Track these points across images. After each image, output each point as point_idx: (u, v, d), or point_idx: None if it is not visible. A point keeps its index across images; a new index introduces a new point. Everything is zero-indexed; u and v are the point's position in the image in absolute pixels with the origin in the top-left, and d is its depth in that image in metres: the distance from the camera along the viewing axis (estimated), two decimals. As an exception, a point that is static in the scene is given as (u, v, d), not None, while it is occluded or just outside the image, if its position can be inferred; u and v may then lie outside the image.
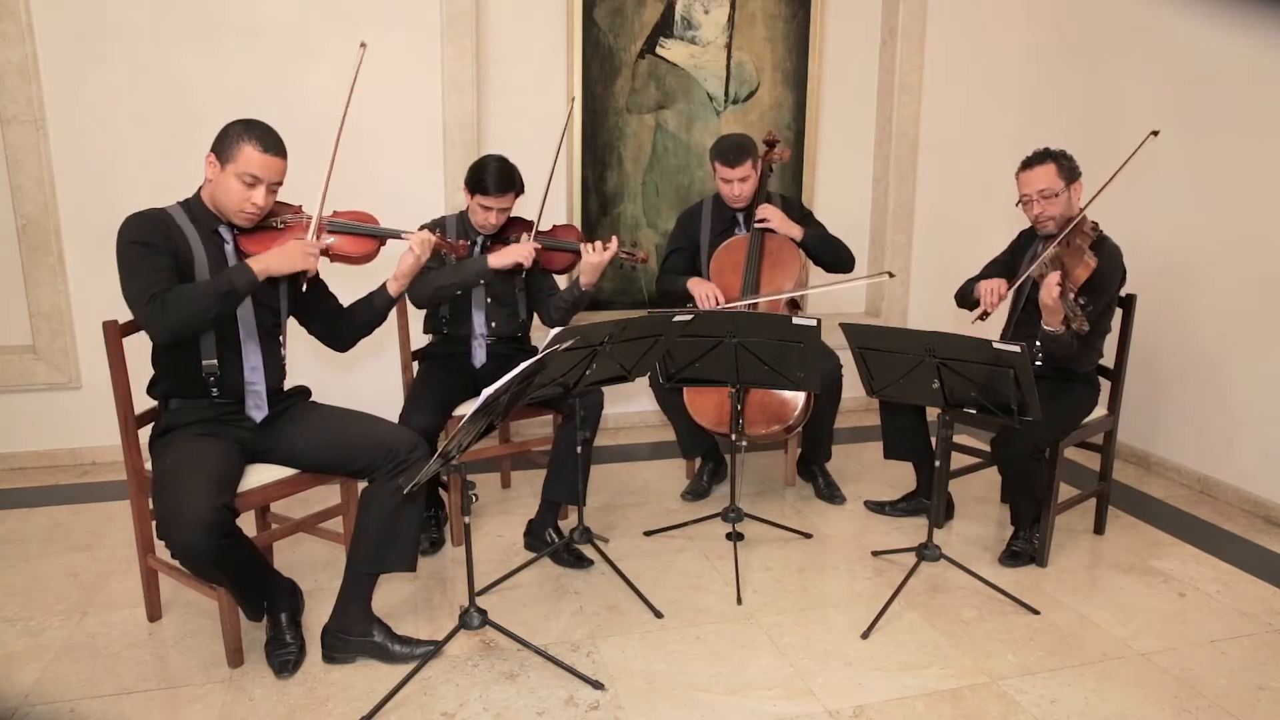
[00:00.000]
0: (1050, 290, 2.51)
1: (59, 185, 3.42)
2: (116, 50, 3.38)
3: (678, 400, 3.22)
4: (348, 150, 3.63)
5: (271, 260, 2.17)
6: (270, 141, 2.17)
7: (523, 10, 3.78)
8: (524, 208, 2.98)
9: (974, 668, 2.30)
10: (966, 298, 3.03)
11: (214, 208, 2.22)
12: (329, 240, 2.34)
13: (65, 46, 3.34)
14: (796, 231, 3.24)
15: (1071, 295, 2.51)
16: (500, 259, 2.76)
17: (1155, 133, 2.66)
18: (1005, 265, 3.00)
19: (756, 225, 3.22)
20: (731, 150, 3.18)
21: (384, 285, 2.47)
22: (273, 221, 2.28)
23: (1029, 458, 2.70)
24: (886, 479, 3.55)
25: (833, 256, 3.31)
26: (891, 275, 3.35)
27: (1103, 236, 2.74)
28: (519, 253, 2.77)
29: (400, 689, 2.12)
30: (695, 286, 3.25)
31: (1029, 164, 2.79)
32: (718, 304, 3.16)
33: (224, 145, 2.15)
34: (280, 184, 2.23)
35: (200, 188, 2.25)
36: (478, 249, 2.90)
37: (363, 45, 2.32)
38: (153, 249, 2.11)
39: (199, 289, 2.11)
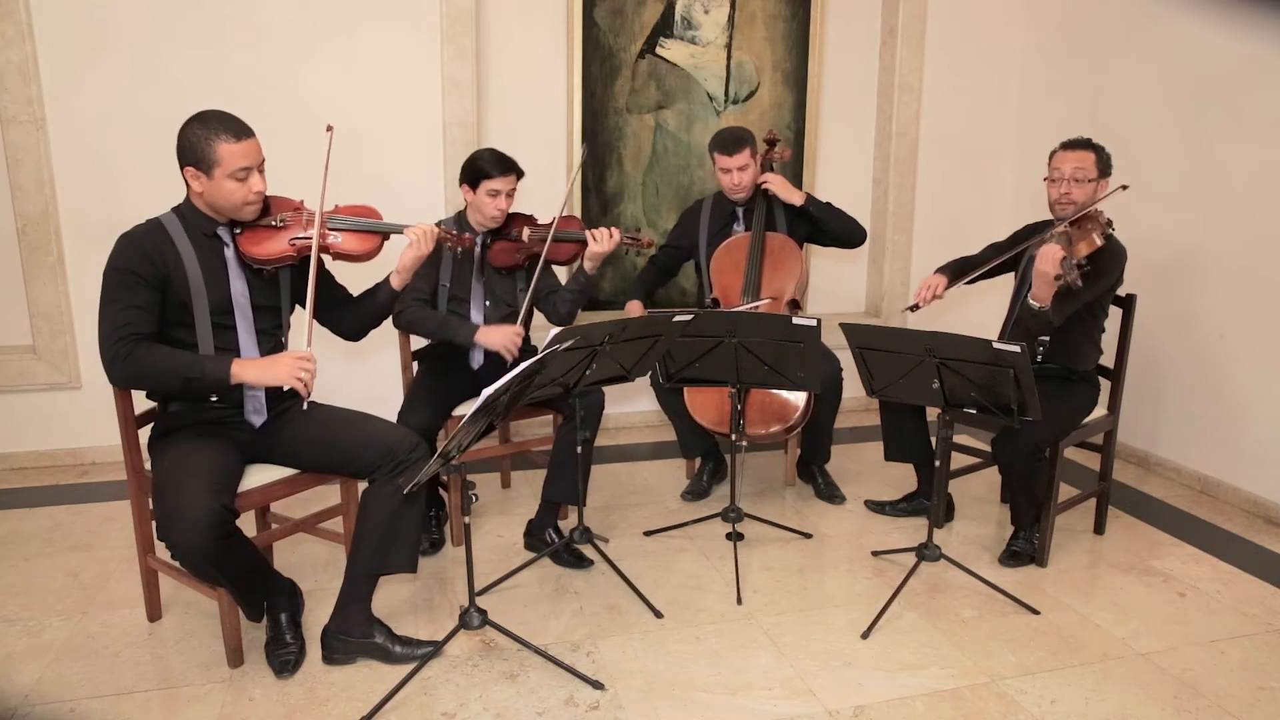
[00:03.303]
0: (1048, 258, 2.50)
1: (59, 185, 3.42)
2: (116, 50, 3.38)
3: (678, 400, 3.22)
4: (348, 149, 3.65)
5: (250, 373, 2.11)
6: (237, 127, 2.10)
7: (523, 10, 3.78)
8: (525, 203, 2.98)
9: (974, 668, 2.30)
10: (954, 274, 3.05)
11: (215, 212, 2.19)
12: (332, 239, 2.30)
13: (65, 46, 3.34)
14: (798, 197, 3.23)
15: (1072, 259, 2.51)
16: (486, 338, 2.77)
17: (1125, 187, 2.72)
18: (1003, 251, 3.00)
19: (760, 185, 3.23)
20: (730, 140, 3.20)
21: (388, 279, 2.45)
22: (272, 220, 2.25)
23: (1029, 458, 2.70)
24: (886, 479, 3.55)
25: (838, 224, 3.27)
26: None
27: (1112, 234, 2.75)
28: (503, 337, 2.77)
29: (400, 689, 2.12)
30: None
31: (1070, 145, 2.81)
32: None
33: (197, 154, 2.08)
34: (264, 161, 2.18)
35: (187, 195, 2.20)
36: (478, 247, 2.89)
37: (330, 128, 2.27)
38: (137, 280, 2.08)
39: (171, 361, 2.08)
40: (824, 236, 3.34)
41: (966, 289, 3.06)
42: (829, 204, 3.29)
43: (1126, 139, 3.74)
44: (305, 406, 2.22)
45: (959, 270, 3.01)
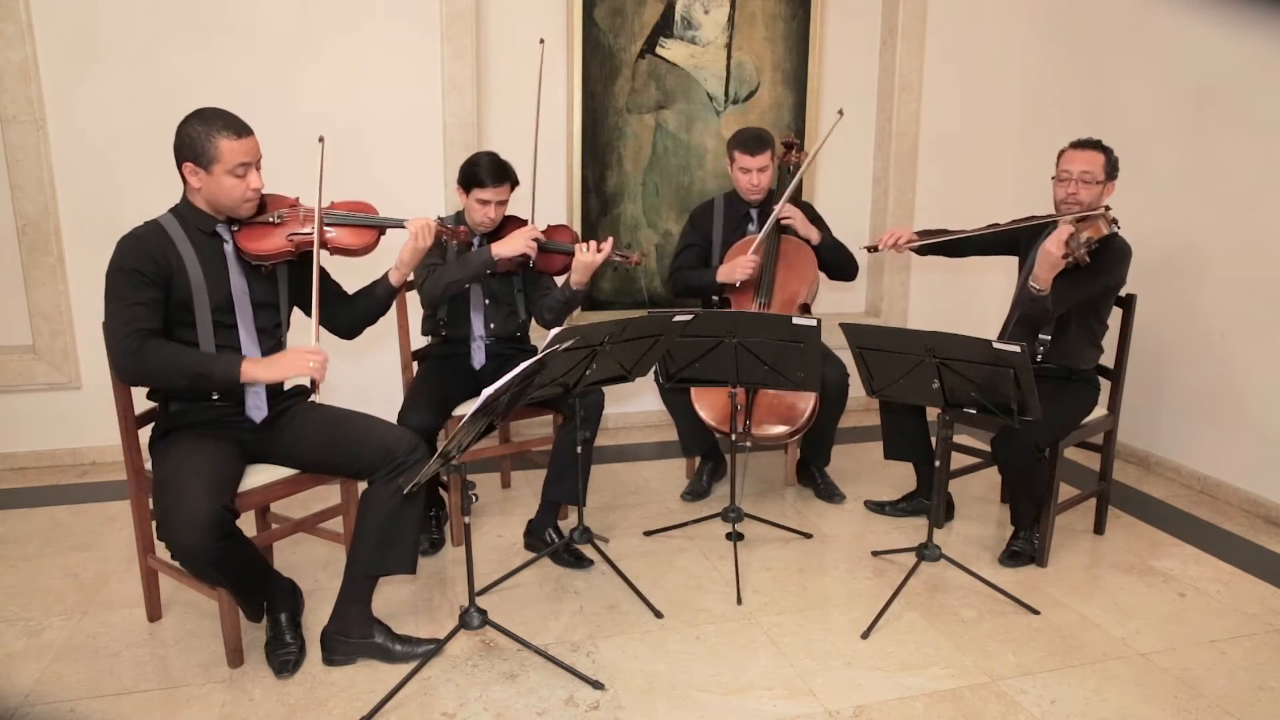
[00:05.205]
0: (1056, 239, 2.53)
1: (59, 185, 3.42)
2: (116, 50, 3.38)
3: (683, 398, 3.21)
4: (348, 149, 3.66)
5: (260, 372, 2.10)
6: (237, 124, 2.13)
7: (523, 10, 3.78)
8: (518, 206, 2.97)
9: (974, 668, 2.30)
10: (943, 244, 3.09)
11: (212, 209, 2.20)
12: (329, 234, 2.31)
13: (65, 46, 3.34)
14: (814, 235, 3.25)
15: (1080, 237, 2.53)
16: (504, 248, 2.75)
17: (1116, 223, 2.71)
18: (1006, 236, 3.00)
19: (781, 219, 3.20)
20: (753, 139, 3.22)
21: (386, 275, 2.46)
22: (269, 217, 2.26)
23: (1029, 458, 2.70)
24: (886, 479, 3.55)
25: (841, 265, 3.33)
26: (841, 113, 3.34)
27: (1117, 233, 2.75)
28: (522, 240, 2.75)
29: (400, 689, 2.12)
30: (727, 273, 3.18)
31: (1080, 145, 2.80)
32: (756, 269, 3.14)
33: (197, 150, 2.10)
34: (261, 159, 2.20)
35: (185, 194, 2.21)
36: (475, 245, 2.88)
37: (321, 139, 2.28)
38: (141, 279, 2.08)
39: (180, 358, 2.08)
40: (823, 262, 3.35)
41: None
42: (836, 246, 3.31)
43: (1127, 138, 3.72)
44: (314, 398, 2.20)
45: (935, 234, 3.02)
